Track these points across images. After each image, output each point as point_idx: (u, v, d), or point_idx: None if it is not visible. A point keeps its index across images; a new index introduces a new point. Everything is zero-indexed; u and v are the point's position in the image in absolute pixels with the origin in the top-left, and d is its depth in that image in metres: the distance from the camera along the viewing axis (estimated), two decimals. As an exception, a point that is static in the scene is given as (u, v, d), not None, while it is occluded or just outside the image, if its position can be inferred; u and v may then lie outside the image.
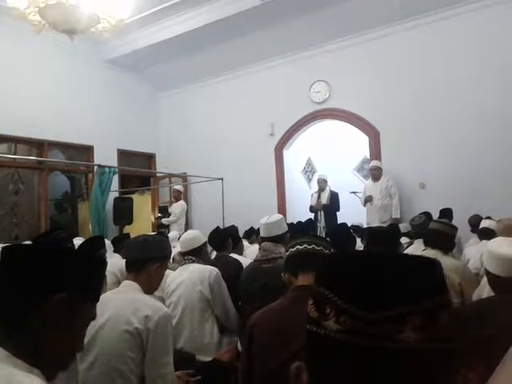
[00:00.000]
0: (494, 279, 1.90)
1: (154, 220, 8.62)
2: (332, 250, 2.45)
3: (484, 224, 4.28)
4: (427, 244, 2.99)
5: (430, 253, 2.85)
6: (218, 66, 8.26)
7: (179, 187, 8.19)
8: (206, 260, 3.28)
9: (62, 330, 0.94)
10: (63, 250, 1.08)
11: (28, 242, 3.88)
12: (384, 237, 2.96)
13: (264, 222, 2.97)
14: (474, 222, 5.35)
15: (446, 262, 2.75)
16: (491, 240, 2.12)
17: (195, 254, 3.14)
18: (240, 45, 7.49)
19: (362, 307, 0.51)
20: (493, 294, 1.99)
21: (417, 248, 3.67)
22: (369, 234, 3.16)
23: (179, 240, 3.52)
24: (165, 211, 8.15)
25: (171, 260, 4.10)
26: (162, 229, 7.54)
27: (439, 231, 2.94)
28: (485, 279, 2.23)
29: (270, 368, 1.57)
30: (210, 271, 2.96)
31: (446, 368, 0.51)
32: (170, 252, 3.57)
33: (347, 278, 0.54)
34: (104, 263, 1.11)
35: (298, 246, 1.76)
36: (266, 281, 2.58)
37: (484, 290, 2.38)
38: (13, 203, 7.18)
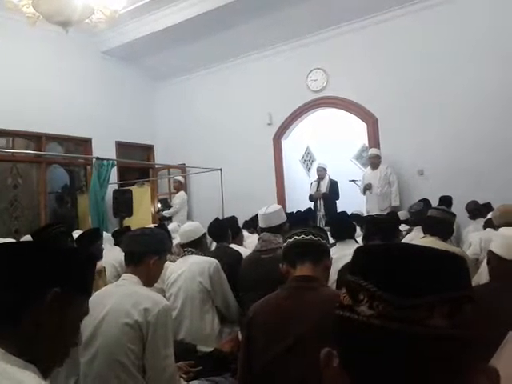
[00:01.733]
0: (497, 262, 1.89)
1: (153, 212, 8.62)
2: (330, 240, 2.46)
3: (489, 214, 4.32)
4: (426, 231, 2.99)
5: (429, 240, 2.84)
6: (215, 56, 8.20)
7: (180, 178, 8.20)
8: (205, 251, 3.30)
9: (56, 326, 0.95)
10: (55, 247, 1.08)
11: (28, 236, 3.89)
12: (381, 226, 2.96)
13: (262, 212, 2.97)
14: (471, 209, 5.35)
15: (445, 248, 2.76)
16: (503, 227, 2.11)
17: (195, 246, 3.16)
18: (236, 34, 7.42)
19: (394, 294, 0.54)
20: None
21: (416, 235, 3.68)
22: (367, 223, 3.16)
23: (179, 232, 3.53)
24: (165, 203, 8.13)
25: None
26: (164, 221, 7.54)
27: (437, 218, 2.94)
28: (483, 265, 2.24)
29: (270, 357, 1.58)
30: (209, 262, 2.98)
31: (469, 353, 0.54)
32: (169, 245, 3.59)
33: (381, 267, 0.57)
34: (94, 258, 1.11)
35: (295, 237, 1.77)
36: (266, 271, 2.59)
37: (482, 276, 2.39)
38: (12, 197, 7.19)
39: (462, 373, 0.53)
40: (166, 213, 7.89)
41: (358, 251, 0.62)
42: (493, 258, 1.93)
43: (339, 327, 0.59)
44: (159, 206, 8.37)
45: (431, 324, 0.52)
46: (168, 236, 2.98)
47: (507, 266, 1.84)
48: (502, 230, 1.96)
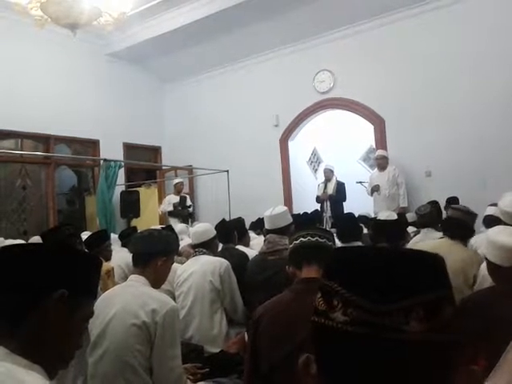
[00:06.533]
0: (494, 269, 1.88)
1: (161, 213, 8.62)
2: (336, 241, 2.45)
3: (489, 211, 4.17)
4: (446, 233, 2.91)
5: (449, 243, 2.78)
6: (222, 58, 8.22)
7: (181, 180, 8.26)
8: (216, 252, 3.32)
9: (61, 328, 0.95)
10: (62, 249, 1.09)
11: (37, 237, 3.92)
12: (387, 228, 2.95)
13: (268, 214, 2.97)
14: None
15: (464, 252, 2.71)
16: (490, 229, 2.07)
17: (206, 246, 3.19)
18: (243, 35, 7.44)
19: (368, 299, 0.52)
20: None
21: (422, 237, 3.65)
22: (373, 225, 3.15)
23: (191, 232, 3.55)
24: (185, 202, 8.05)
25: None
26: (190, 218, 7.62)
27: (459, 221, 2.84)
28: (484, 270, 2.20)
29: (275, 359, 1.58)
30: (220, 262, 3.01)
31: (448, 359, 0.52)
32: (177, 246, 3.61)
33: (354, 271, 0.55)
34: (100, 261, 1.12)
35: (301, 239, 1.75)
36: (272, 273, 2.59)
37: (485, 281, 2.35)
38: (21, 198, 7.25)
39: (442, 376, 0.52)
40: (191, 210, 7.97)
41: (333, 253, 0.61)
42: (490, 265, 1.90)
43: (314, 334, 0.57)
44: (175, 202, 8.16)
45: (407, 329, 0.50)
46: (175, 237, 3.01)
47: (506, 271, 1.81)
48: (491, 236, 1.90)
